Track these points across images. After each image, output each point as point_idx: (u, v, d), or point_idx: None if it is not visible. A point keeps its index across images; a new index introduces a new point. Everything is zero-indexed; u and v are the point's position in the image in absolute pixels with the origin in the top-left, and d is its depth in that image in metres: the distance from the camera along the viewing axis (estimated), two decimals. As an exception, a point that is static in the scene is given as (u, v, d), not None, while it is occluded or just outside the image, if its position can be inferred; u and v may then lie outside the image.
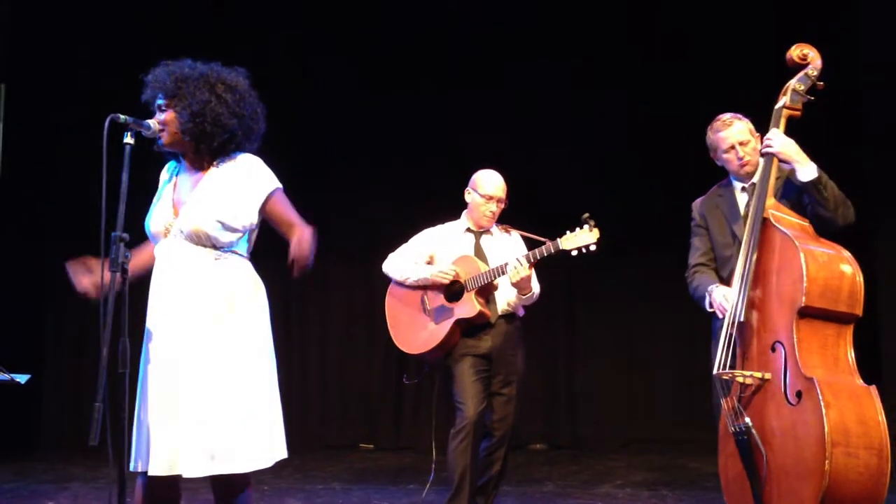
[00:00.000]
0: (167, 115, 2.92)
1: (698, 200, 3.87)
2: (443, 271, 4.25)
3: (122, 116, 2.77)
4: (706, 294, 3.62)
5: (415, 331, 4.34)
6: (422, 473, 4.49)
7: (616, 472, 5.93)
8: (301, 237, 2.93)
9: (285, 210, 3.00)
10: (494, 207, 4.30)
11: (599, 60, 6.64)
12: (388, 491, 5.38)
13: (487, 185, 4.30)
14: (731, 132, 3.63)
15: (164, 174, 3.10)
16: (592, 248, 3.99)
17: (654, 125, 6.64)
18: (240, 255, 2.97)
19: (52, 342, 6.89)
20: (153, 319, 2.89)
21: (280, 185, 3.02)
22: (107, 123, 2.72)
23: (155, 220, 2.96)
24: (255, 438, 2.88)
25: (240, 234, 2.94)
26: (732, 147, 3.63)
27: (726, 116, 3.68)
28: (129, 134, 2.78)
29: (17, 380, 3.12)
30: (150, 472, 2.79)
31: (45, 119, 6.51)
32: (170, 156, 3.09)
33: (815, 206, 3.41)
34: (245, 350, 2.89)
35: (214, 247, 2.90)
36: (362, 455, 6.78)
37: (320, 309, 7.12)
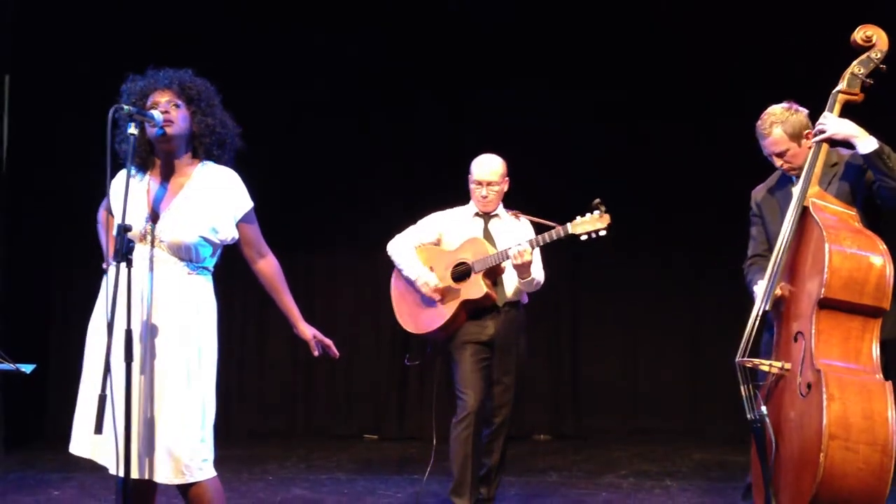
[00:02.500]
0: (182, 112, 2.93)
1: (756, 189, 3.79)
2: (427, 283, 4.25)
3: (126, 107, 2.77)
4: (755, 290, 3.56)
5: (420, 310, 4.34)
6: (426, 463, 4.50)
7: (620, 463, 5.93)
8: (321, 337, 3.20)
9: (256, 232, 3.07)
10: (485, 192, 4.30)
11: (610, 58, 6.63)
12: (392, 481, 5.39)
13: (476, 170, 4.33)
14: (767, 143, 3.55)
15: (133, 180, 2.94)
16: (602, 233, 3.97)
17: (664, 122, 6.62)
18: (209, 270, 3.01)
19: (57, 331, 6.90)
20: (132, 325, 2.75)
21: (253, 204, 3.05)
22: (111, 114, 2.73)
23: (130, 222, 2.78)
24: (211, 446, 2.96)
25: (217, 248, 3.00)
26: (770, 155, 3.58)
27: (766, 121, 3.54)
28: (133, 125, 2.78)
29: (23, 369, 3.14)
30: (132, 476, 2.79)
31: (50, 109, 6.51)
32: (144, 163, 3.00)
33: (882, 178, 3.30)
34: (209, 363, 2.96)
35: (191, 260, 2.93)
36: (367, 445, 6.79)
37: (325, 299, 7.12)
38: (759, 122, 3.57)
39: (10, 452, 6.05)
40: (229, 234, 2.99)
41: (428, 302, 4.32)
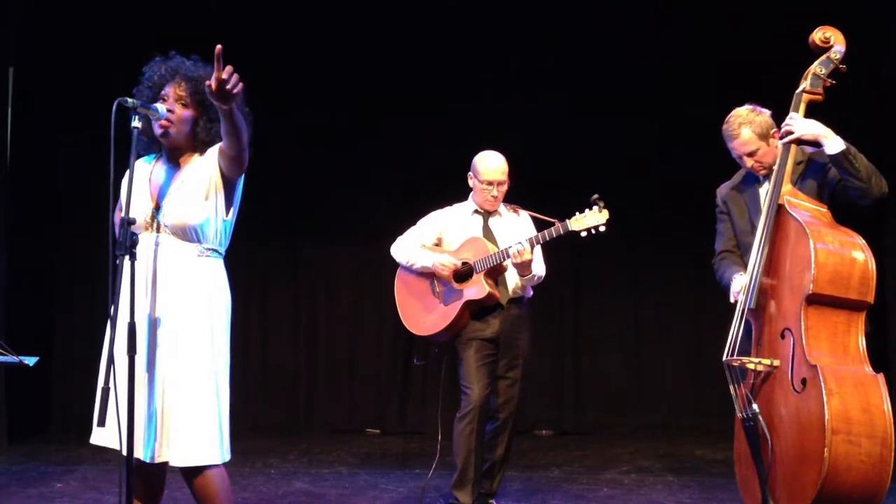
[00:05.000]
0: (186, 112, 2.92)
1: (722, 186, 3.83)
2: (443, 263, 4.25)
3: (129, 100, 2.77)
4: (730, 284, 3.60)
5: (424, 313, 4.35)
6: (428, 458, 4.51)
7: (622, 458, 5.94)
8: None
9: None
10: (496, 192, 4.29)
11: (611, 52, 6.62)
12: (394, 475, 5.40)
13: (485, 171, 4.29)
14: (737, 144, 3.58)
15: (142, 165, 3.01)
16: (602, 229, 3.97)
17: (662, 112, 6.61)
18: (219, 253, 3.00)
19: (60, 324, 6.91)
20: (139, 312, 2.78)
21: None
22: (114, 107, 2.73)
23: (135, 212, 2.81)
24: (224, 433, 2.93)
25: (223, 225, 2.97)
26: (740, 157, 3.61)
27: (734, 123, 3.57)
28: (136, 118, 2.78)
29: (26, 362, 3.14)
30: (142, 459, 2.81)
31: (54, 102, 6.51)
32: (150, 148, 3.03)
33: (848, 178, 3.35)
34: (221, 346, 2.94)
35: (198, 241, 2.92)
36: (369, 440, 6.79)
37: (328, 294, 7.13)
38: (726, 125, 3.61)
39: (14, 445, 6.06)
40: (227, 204, 2.95)
41: (432, 304, 4.33)
